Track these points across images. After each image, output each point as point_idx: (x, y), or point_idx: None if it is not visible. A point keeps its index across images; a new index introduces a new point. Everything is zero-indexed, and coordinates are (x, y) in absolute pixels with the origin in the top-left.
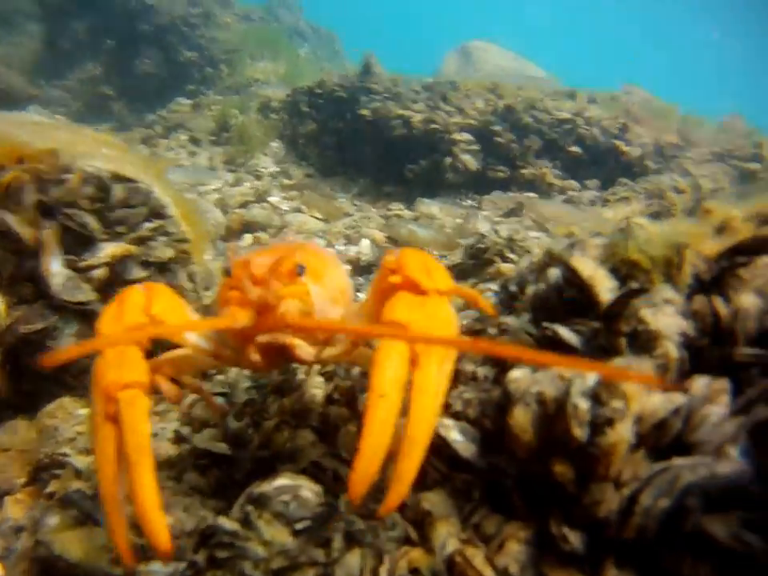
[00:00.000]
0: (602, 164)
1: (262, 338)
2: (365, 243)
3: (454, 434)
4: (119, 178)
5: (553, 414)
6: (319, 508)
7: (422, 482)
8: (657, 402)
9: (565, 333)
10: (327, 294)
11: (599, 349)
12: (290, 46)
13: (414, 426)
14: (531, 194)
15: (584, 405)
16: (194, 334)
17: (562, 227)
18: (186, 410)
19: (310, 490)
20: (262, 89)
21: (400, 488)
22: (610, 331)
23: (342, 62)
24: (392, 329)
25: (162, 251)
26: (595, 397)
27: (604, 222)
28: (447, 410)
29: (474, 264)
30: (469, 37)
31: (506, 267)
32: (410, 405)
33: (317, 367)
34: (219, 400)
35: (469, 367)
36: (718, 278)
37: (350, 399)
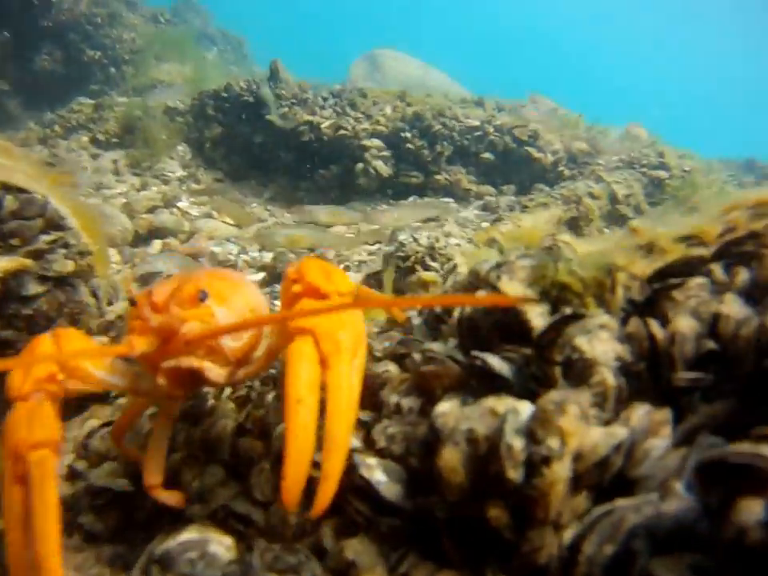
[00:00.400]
0: (516, 170)
1: (167, 364)
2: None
3: (378, 475)
4: (9, 188)
5: (485, 454)
6: (230, 567)
7: (344, 529)
8: (596, 438)
9: (495, 363)
10: (234, 314)
11: (532, 378)
12: (196, 49)
13: (334, 426)
14: (449, 200)
15: (518, 444)
16: (106, 374)
17: (483, 234)
18: (82, 440)
19: (219, 544)
20: (167, 91)
21: (328, 486)
22: (543, 360)
23: (250, 67)
24: (296, 312)
25: (62, 265)
26: (530, 434)
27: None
28: (371, 447)
29: (396, 272)
30: (377, 45)
31: (427, 276)
32: (328, 405)
33: (228, 392)
34: None
35: (393, 399)
36: (651, 300)
37: (263, 431)
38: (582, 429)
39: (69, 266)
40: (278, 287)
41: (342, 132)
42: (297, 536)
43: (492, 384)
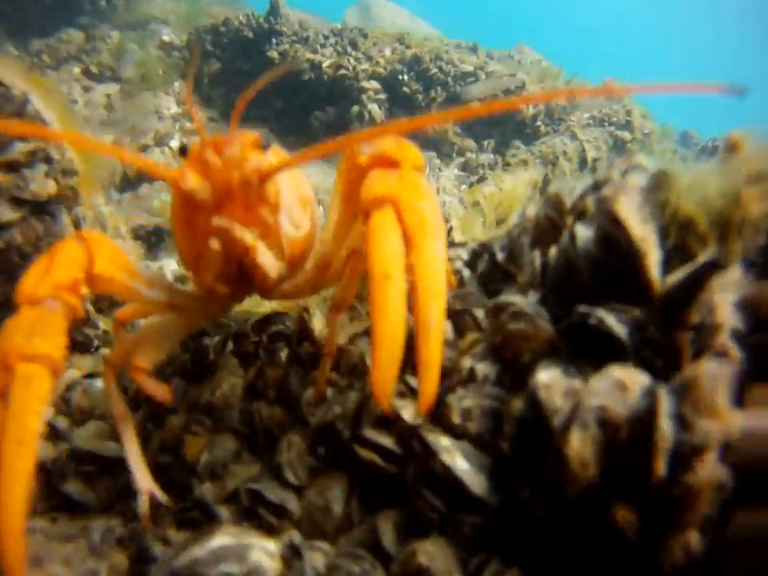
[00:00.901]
0: (499, 123)
1: (220, 222)
2: None
3: (460, 462)
4: None
5: (625, 441)
6: None
7: (408, 525)
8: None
9: (613, 323)
10: (294, 188)
11: (648, 345)
12: None
13: (429, 308)
14: (432, 153)
15: (669, 430)
16: (142, 286)
17: (469, 195)
18: (62, 393)
19: (262, 551)
20: (162, 26)
21: (432, 374)
22: (672, 322)
23: (243, 9)
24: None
25: (41, 185)
26: (679, 416)
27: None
28: (440, 423)
29: None
30: None
31: None
32: (418, 286)
33: (230, 347)
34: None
35: (465, 363)
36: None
37: (283, 397)
38: (733, 413)
39: (50, 187)
40: None
41: (342, 72)
42: (341, 529)
43: (600, 351)
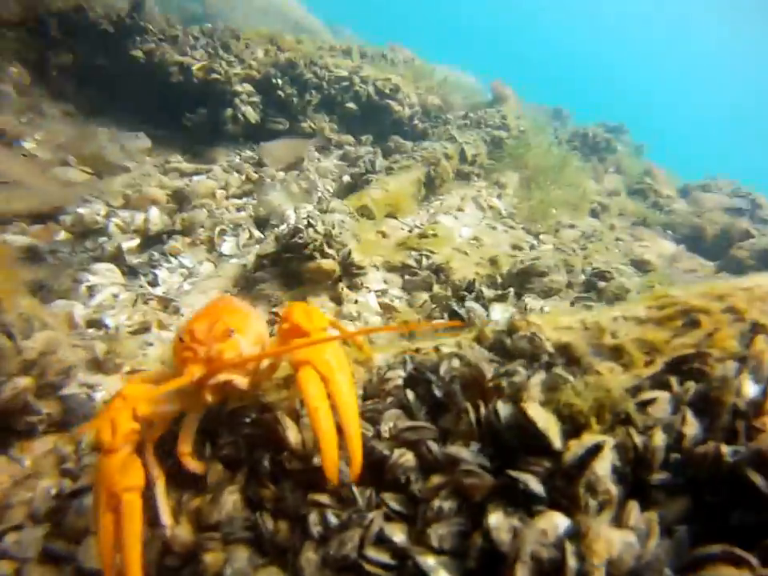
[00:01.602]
0: (375, 121)
1: (212, 381)
2: (153, 213)
3: (443, 573)
4: None
5: (549, 571)
6: None
7: None
8: (620, 549)
9: (534, 486)
10: (250, 341)
11: (558, 491)
12: None
13: (347, 410)
14: (311, 147)
15: (573, 564)
16: (166, 405)
17: (355, 200)
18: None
19: None
20: None
21: (356, 443)
22: (570, 482)
23: None
24: (295, 345)
25: None
26: (579, 554)
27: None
28: (422, 544)
29: (293, 257)
30: None
31: (327, 264)
32: (337, 402)
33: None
34: None
35: (436, 503)
36: (629, 419)
37: (282, 509)
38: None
39: None
40: (153, 251)
41: (214, 76)
42: None
43: (526, 498)
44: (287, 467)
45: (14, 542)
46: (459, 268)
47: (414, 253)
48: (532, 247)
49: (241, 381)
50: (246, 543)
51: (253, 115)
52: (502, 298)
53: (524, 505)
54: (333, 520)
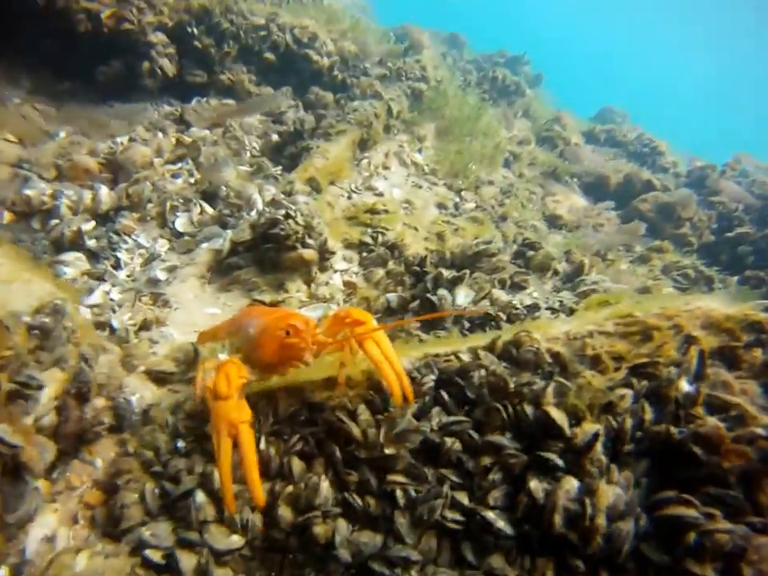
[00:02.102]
0: (294, 71)
1: (309, 358)
2: (103, 191)
3: (500, 522)
4: None
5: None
6: None
7: None
8: (612, 497)
9: (557, 459)
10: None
11: (567, 462)
12: None
13: (397, 365)
14: (229, 101)
15: (591, 511)
16: (252, 374)
17: (302, 173)
18: None
19: None
20: None
21: (407, 384)
22: (578, 456)
23: None
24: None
25: None
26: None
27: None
28: (484, 503)
29: (272, 248)
30: None
31: (308, 254)
32: (391, 360)
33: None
34: None
35: (490, 476)
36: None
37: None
38: (609, 497)
39: None
40: (111, 233)
41: (126, 26)
42: None
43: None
44: (359, 456)
45: (151, 535)
46: (411, 243)
47: (369, 230)
48: (456, 206)
49: (311, 358)
50: (342, 516)
51: (170, 68)
52: (459, 280)
53: (551, 473)
54: (413, 493)
